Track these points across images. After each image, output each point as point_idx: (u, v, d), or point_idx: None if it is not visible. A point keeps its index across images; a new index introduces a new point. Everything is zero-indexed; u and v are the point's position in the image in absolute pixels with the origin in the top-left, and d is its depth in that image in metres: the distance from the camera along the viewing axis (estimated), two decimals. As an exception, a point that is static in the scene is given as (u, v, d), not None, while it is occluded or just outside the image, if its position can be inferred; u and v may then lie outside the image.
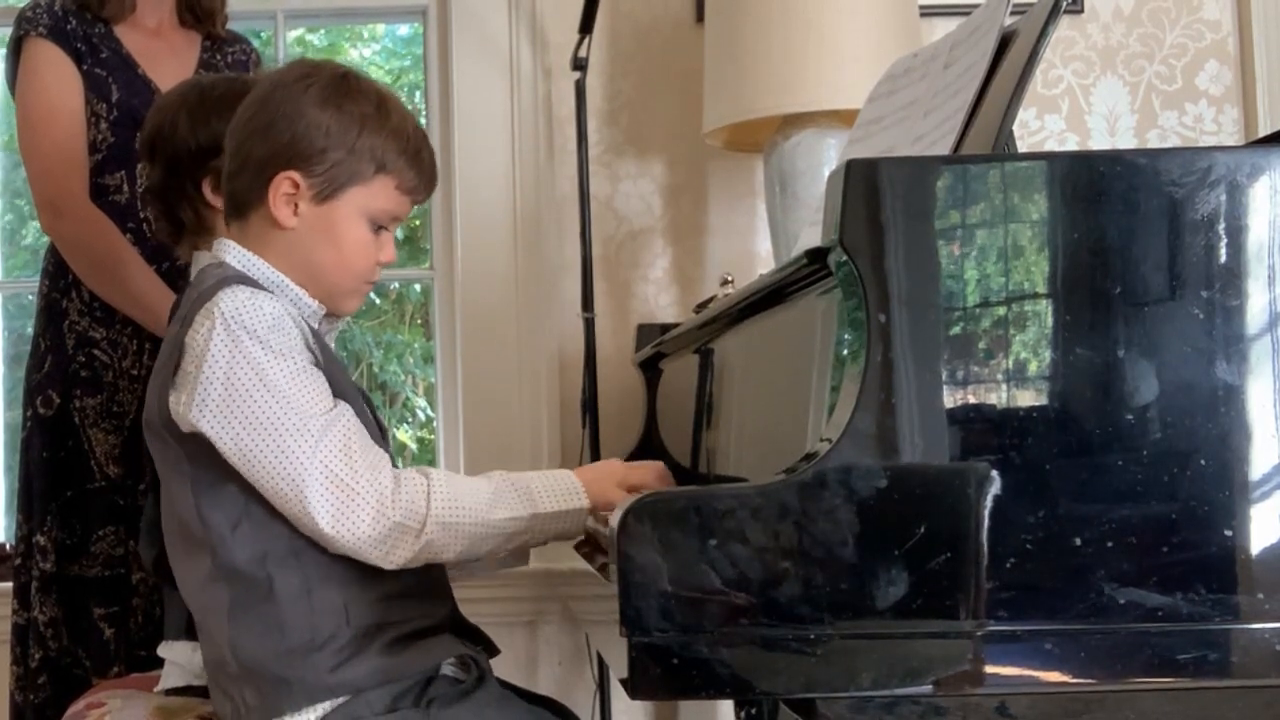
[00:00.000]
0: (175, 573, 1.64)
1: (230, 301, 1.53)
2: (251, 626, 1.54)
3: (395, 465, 1.68)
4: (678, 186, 2.85)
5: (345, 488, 1.48)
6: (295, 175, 1.61)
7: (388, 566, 1.51)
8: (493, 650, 1.72)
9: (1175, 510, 1.22)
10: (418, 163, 1.66)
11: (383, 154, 1.63)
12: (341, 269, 1.65)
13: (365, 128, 1.62)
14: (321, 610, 1.54)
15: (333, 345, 1.70)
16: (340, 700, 1.53)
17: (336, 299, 1.68)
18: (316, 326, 1.64)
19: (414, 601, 1.60)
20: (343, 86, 1.63)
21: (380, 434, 1.65)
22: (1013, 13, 1.55)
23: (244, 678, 1.55)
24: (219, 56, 2.41)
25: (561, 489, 1.57)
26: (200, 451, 1.55)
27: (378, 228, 1.66)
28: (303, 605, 1.54)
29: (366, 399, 1.70)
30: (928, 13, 2.67)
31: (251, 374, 1.50)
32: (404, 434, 5.16)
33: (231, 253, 1.64)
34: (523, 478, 1.57)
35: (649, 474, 1.62)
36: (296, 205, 1.62)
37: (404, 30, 4.71)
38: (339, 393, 1.57)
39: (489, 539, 1.53)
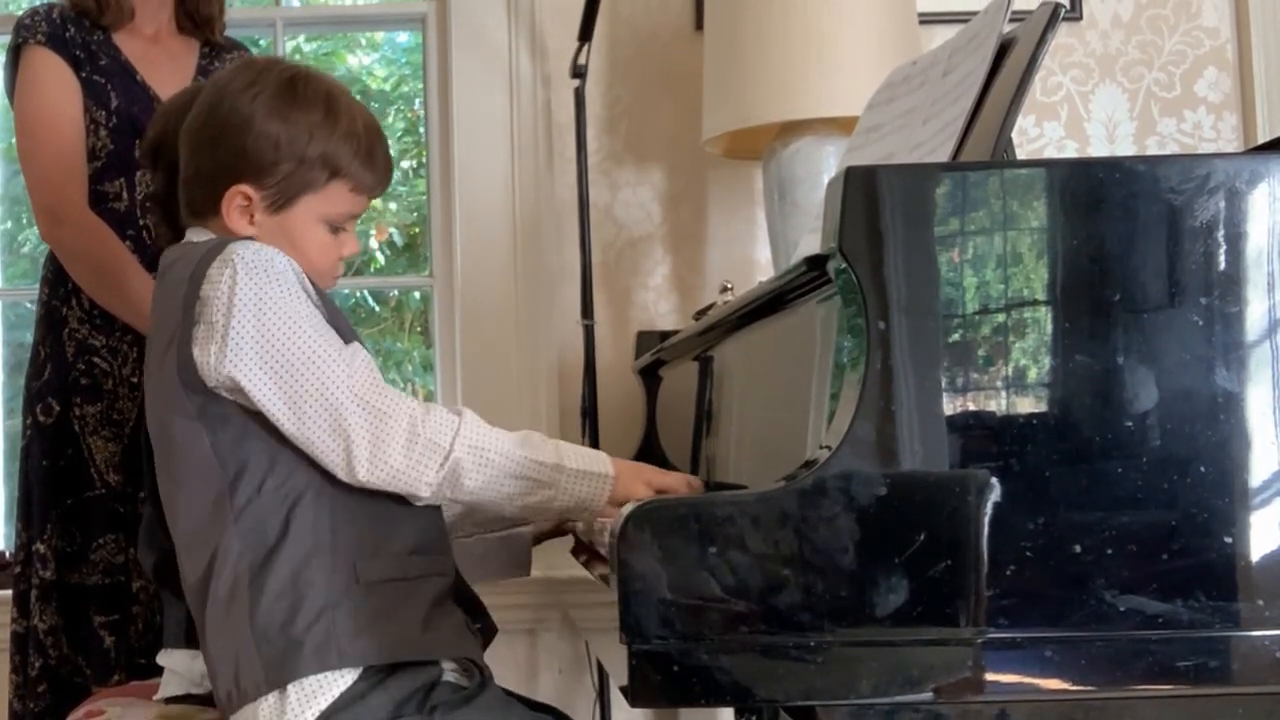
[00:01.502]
0: (186, 557, 1.61)
1: (245, 251, 1.56)
2: (271, 586, 1.53)
3: None
4: (677, 194, 2.85)
5: (377, 413, 1.51)
6: (247, 189, 1.63)
7: (422, 493, 1.52)
8: (491, 627, 1.71)
9: (1175, 517, 1.22)
10: (371, 162, 1.67)
11: (335, 159, 1.64)
12: (305, 270, 1.66)
13: (315, 136, 1.63)
14: (336, 567, 1.54)
15: None
16: (346, 684, 1.52)
17: None
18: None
19: (427, 558, 1.61)
20: (289, 94, 1.64)
21: None
22: (1011, 19, 1.55)
23: (251, 646, 1.53)
24: (217, 63, 2.40)
25: (589, 454, 1.60)
26: (221, 412, 1.56)
27: (336, 228, 1.67)
28: (321, 561, 1.54)
29: None
30: (927, 20, 2.67)
31: (279, 312, 1.53)
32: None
33: (204, 236, 1.67)
34: (551, 439, 1.61)
35: (680, 483, 1.62)
36: (252, 215, 1.64)
37: (403, 38, 4.71)
38: (341, 334, 1.60)
39: (513, 477, 1.54)
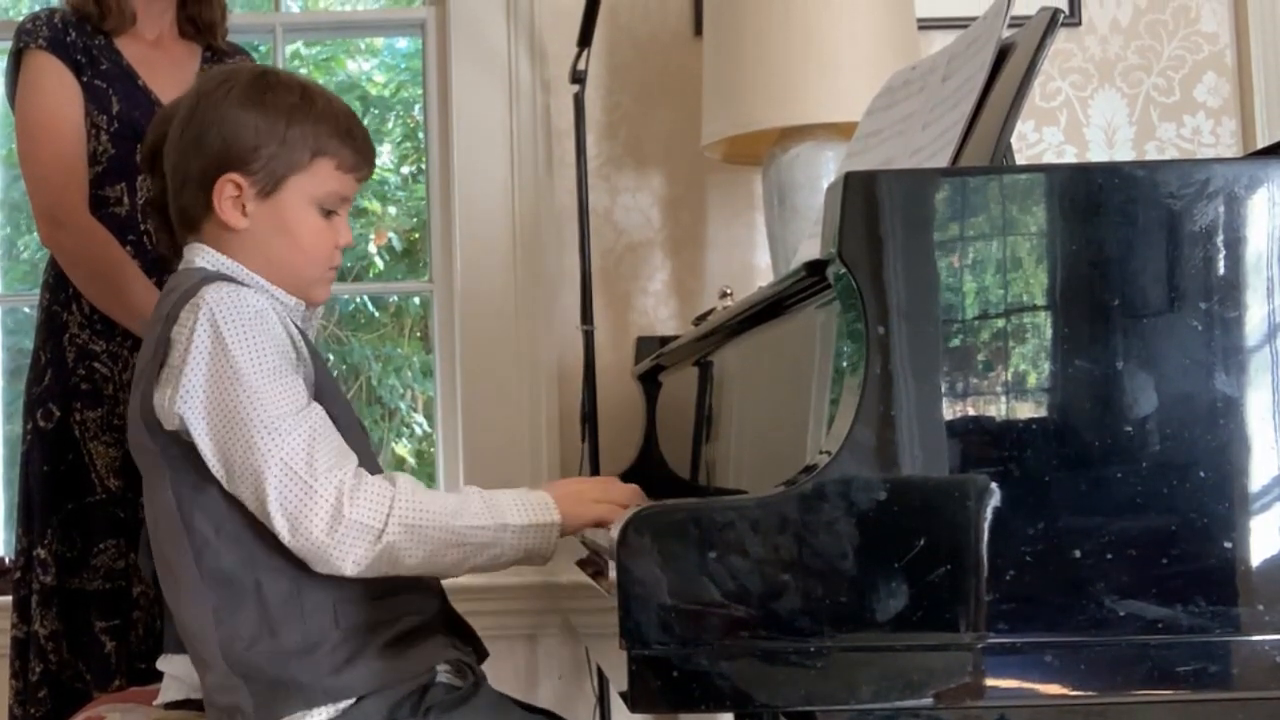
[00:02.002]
0: (161, 583, 1.64)
1: (215, 296, 1.55)
2: (241, 631, 1.54)
3: (377, 467, 1.67)
4: (676, 199, 2.85)
5: (302, 484, 1.48)
6: (235, 177, 1.64)
7: (347, 571, 1.49)
8: (481, 651, 1.71)
9: (1175, 522, 1.22)
10: (351, 140, 1.69)
11: (315, 139, 1.65)
12: (302, 259, 1.66)
13: (292, 117, 1.65)
14: (311, 612, 1.54)
15: (313, 336, 1.70)
16: (339, 707, 1.53)
17: (304, 289, 1.70)
18: (299, 323, 1.65)
19: (403, 598, 1.59)
20: (262, 83, 1.66)
21: (360, 432, 1.66)
22: (1011, 25, 1.55)
23: (238, 684, 1.54)
24: (219, 69, 2.41)
25: (532, 503, 1.55)
26: (181, 453, 1.56)
27: (328, 212, 1.68)
28: (293, 607, 1.53)
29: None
30: (926, 25, 2.67)
31: (227, 367, 1.52)
32: (402, 448, 5.17)
33: (204, 255, 1.66)
34: (493, 492, 1.56)
35: (625, 492, 1.61)
36: (244, 206, 1.65)
37: (403, 43, 4.72)
38: (320, 388, 1.59)
39: (454, 547, 1.51)
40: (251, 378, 1.51)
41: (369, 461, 1.58)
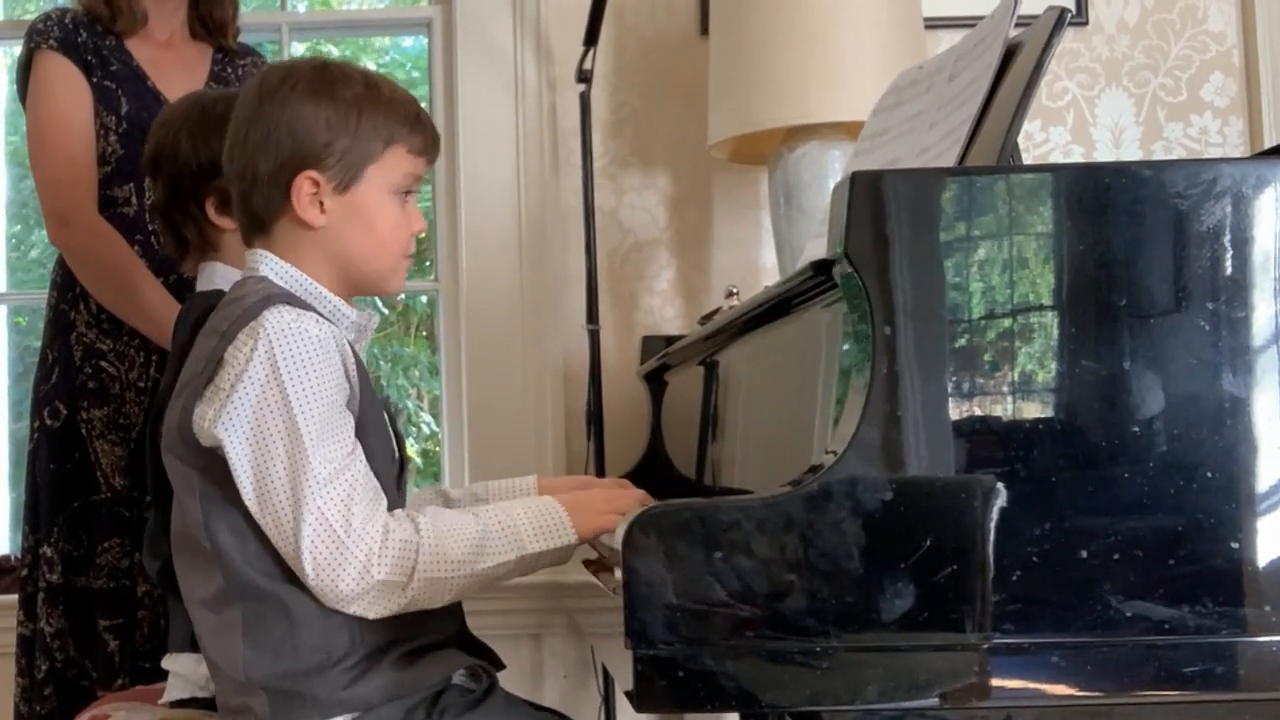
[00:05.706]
0: (183, 590, 1.64)
1: (276, 323, 1.52)
2: (264, 644, 1.53)
3: (402, 489, 1.67)
4: (682, 198, 2.85)
5: (336, 540, 1.47)
6: (312, 174, 1.60)
7: (367, 615, 1.50)
8: (498, 665, 1.71)
9: (1182, 523, 1.22)
10: (420, 125, 1.67)
11: (386, 127, 1.63)
12: (380, 250, 1.64)
13: (363, 108, 1.62)
14: (334, 629, 1.53)
15: (363, 355, 1.68)
16: (351, 717, 1.53)
17: (380, 282, 1.67)
18: (353, 340, 1.63)
19: (425, 618, 1.59)
20: (326, 75, 1.63)
21: (398, 450, 1.66)
22: (1017, 25, 1.55)
23: (255, 692, 1.55)
24: (230, 69, 2.41)
25: (549, 526, 1.55)
26: (213, 468, 1.54)
27: (404, 194, 1.66)
28: (316, 625, 1.53)
29: (389, 410, 1.70)
30: (933, 25, 2.67)
31: (279, 404, 1.50)
32: (409, 448, 5.15)
33: (268, 264, 1.62)
34: (510, 515, 1.55)
35: (631, 499, 1.61)
36: (321, 203, 1.61)
37: (409, 42, 4.72)
38: (362, 415, 1.57)
39: (475, 586, 1.53)
40: (302, 420, 1.49)
41: (390, 487, 1.58)
